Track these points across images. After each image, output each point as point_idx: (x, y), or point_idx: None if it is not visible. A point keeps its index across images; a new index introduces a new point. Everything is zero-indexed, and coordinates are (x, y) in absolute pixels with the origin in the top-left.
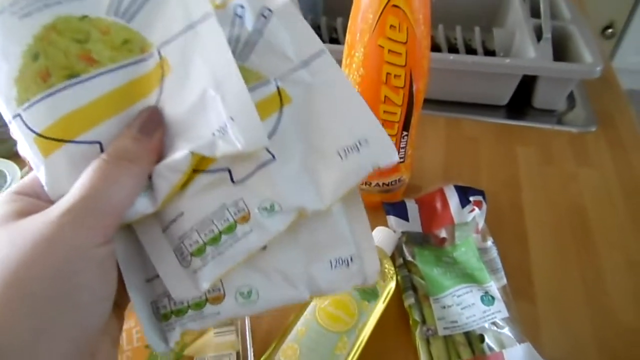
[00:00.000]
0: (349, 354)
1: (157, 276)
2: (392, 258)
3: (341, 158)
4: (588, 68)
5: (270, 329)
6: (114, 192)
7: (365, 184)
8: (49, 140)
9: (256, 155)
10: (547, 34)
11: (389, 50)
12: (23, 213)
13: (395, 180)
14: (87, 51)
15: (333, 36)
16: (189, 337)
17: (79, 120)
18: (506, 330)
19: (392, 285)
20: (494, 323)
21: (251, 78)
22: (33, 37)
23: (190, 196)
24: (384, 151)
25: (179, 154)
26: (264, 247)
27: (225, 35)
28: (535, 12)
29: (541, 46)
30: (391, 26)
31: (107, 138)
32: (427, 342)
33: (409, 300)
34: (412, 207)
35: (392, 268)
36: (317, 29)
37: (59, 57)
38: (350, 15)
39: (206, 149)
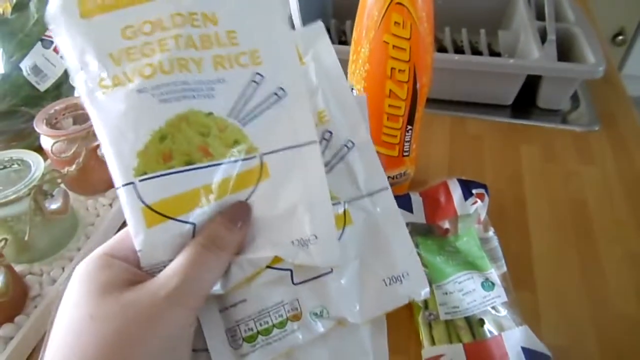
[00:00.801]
0: None
1: (204, 350)
2: None
3: (385, 285)
4: (591, 68)
5: None
6: (207, 277)
7: None
8: (156, 213)
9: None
10: (551, 36)
11: (394, 46)
12: (126, 282)
13: (400, 174)
14: (206, 144)
15: (342, 39)
16: None
17: (186, 202)
18: (505, 314)
19: None
20: (493, 307)
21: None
22: (166, 121)
23: (254, 287)
24: (419, 285)
25: (264, 254)
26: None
27: (329, 200)
28: (540, 15)
29: (545, 48)
30: (395, 23)
31: (201, 220)
32: (429, 326)
33: None
34: (416, 199)
35: None
36: (326, 31)
37: (183, 144)
38: (357, 13)
39: (288, 255)
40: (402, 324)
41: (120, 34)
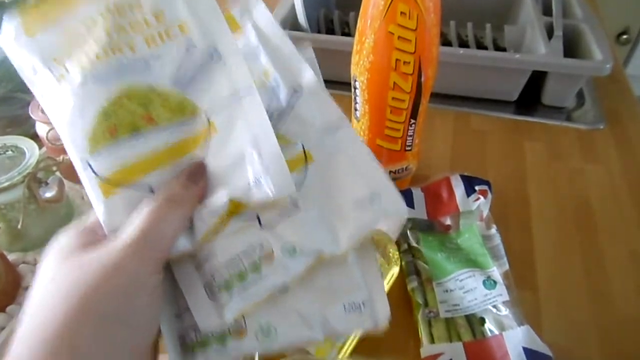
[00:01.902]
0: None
1: (186, 311)
2: (397, 244)
3: (356, 209)
4: (597, 65)
5: None
6: (164, 229)
7: None
8: (110, 184)
9: (283, 204)
10: (558, 32)
11: (399, 37)
12: (87, 245)
13: (402, 169)
14: (149, 113)
15: (345, 30)
16: None
17: (137, 168)
18: (507, 313)
19: (395, 269)
20: (494, 306)
21: (282, 142)
22: (107, 101)
23: (222, 237)
24: (393, 204)
25: (219, 201)
26: (286, 290)
27: (264, 104)
28: (547, 10)
29: (552, 43)
30: (401, 13)
31: (158, 183)
32: (429, 324)
33: (412, 284)
34: (418, 195)
35: (397, 253)
36: (329, 22)
37: (126, 117)
38: (362, 2)
39: (243, 196)
40: (401, 322)
41: (60, 40)
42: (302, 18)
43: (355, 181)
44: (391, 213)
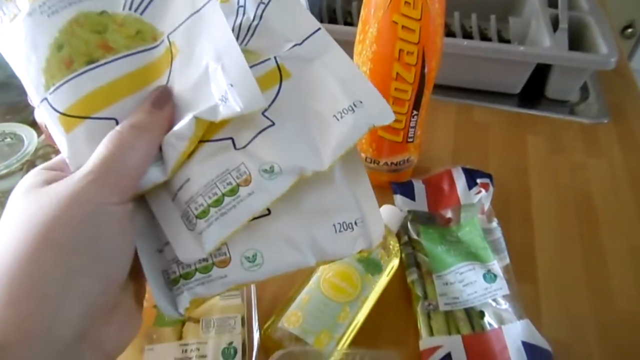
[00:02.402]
0: (350, 323)
1: (167, 244)
2: (398, 236)
3: (337, 120)
4: (603, 59)
5: (275, 297)
6: (129, 156)
7: (373, 162)
8: (71, 117)
9: (256, 121)
10: (563, 24)
11: (403, 27)
12: (49, 181)
13: (404, 160)
14: (104, 40)
15: (348, 20)
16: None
17: (97, 100)
18: (506, 307)
19: (395, 261)
20: (494, 300)
21: (252, 58)
22: (58, 31)
23: (195, 163)
24: (379, 110)
25: (184, 121)
26: (269, 213)
27: (229, 22)
28: (552, 2)
29: (557, 36)
30: (406, 2)
31: (122, 115)
32: (428, 317)
33: (412, 276)
34: (419, 187)
35: (397, 245)
36: (332, 12)
37: (80, 46)
38: None
39: (209, 113)
40: (401, 314)
41: None
42: (304, 4)
43: (335, 91)
44: (375, 120)
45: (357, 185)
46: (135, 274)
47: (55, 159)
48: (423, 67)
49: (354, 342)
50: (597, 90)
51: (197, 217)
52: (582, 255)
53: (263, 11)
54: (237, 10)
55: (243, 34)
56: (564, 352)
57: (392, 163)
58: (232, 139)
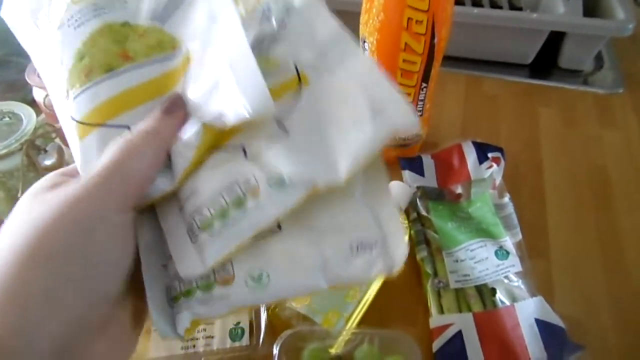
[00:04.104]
0: (359, 302)
1: (171, 258)
2: (407, 212)
3: (357, 128)
4: (619, 25)
5: None
6: (135, 162)
7: None
8: (86, 125)
9: (269, 130)
10: None
11: None
12: (58, 185)
13: (412, 135)
14: (124, 50)
15: None
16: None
17: (112, 107)
18: (519, 284)
19: (405, 238)
20: (506, 277)
21: (272, 66)
22: (82, 42)
23: (203, 173)
24: (401, 117)
25: (193, 129)
26: (280, 229)
27: (252, 30)
28: None
29: (571, 2)
30: None
31: (136, 123)
32: (438, 294)
33: (422, 254)
34: (428, 162)
35: (406, 222)
36: None
37: (100, 56)
38: None
39: (217, 120)
40: (410, 293)
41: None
42: None
43: (356, 98)
44: (399, 125)
45: (380, 203)
46: (136, 290)
47: (73, 165)
48: (433, 36)
49: (363, 321)
50: (612, 58)
51: (201, 228)
52: (595, 230)
53: (288, 20)
54: (262, 20)
55: (267, 41)
56: (577, 329)
57: (400, 138)
58: (243, 148)
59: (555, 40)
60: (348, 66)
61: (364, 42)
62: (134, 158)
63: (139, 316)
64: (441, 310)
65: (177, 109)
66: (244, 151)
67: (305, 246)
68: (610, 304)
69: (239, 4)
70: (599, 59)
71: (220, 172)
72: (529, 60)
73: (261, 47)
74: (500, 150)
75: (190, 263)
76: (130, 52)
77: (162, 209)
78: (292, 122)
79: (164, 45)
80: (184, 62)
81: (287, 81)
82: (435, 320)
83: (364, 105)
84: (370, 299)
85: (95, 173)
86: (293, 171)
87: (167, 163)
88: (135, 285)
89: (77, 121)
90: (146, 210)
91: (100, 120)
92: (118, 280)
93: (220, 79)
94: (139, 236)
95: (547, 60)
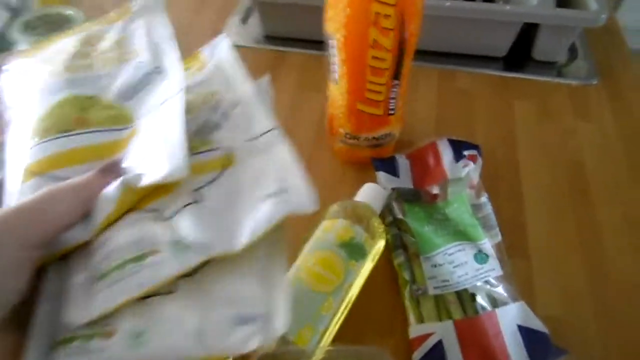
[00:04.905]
0: (335, 315)
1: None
2: (382, 216)
3: (261, 204)
4: (592, 16)
5: None
6: (53, 206)
7: (353, 138)
8: (30, 172)
9: (184, 198)
10: None
11: None
12: None
13: (385, 135)
14: (83, 117)
15: None
16: None
17: (58, 161)
18: (499, 289)
19: (381, 243)
20: (487, 281)
21: (206, 146)
22: (50, 106)
23: (116, 228)
24: (302, 199)
25: (114, 185)
26: (171, 292)
27: (203, 115)
28: None
29: None
30: None
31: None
32: (417, 302)
33: (399, 259)
34: (402, 162)
35: (381, 226)
36: None
37: (60, 119)
38: None
39: (135, 179)
40: (388, 300)
41: (32, 61)
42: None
43: (269, 178)
44: (294, 206)
45: (273, 277)
46: (21, 326)
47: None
48: (402, 31)
49: (339, 333)
50: (586, 49)
51: (98, 278)
52: (575, 227)
53: (231, 111)
54: (211, 109)
55: (211, 127)
56: (560, 330)
57: (373, 138)
58: (157, 210)
59: (528, 32)
60: (271, 152)
61: (331, 38)
62: (52, 203)
63: (16, 351)
64: (420, 319)
65: (112, 172)
66: (160, 214)
67: (191, 312)
68: (592, 301)
69: (194, 94)
70: (572, 50)
71: (131, 229)
72: (503, 53)
73: (204, 131)
74: (476, 147)
75: (78, 311)
76: (88, 120)
77: (72, 259)
78: (208, 194)
79: (120, 120)
80: (130, 134)
81: (215, 159)
82: (415, 330)
83: (272, 185)
84: (347, 310)
85: (8, 208)
86: (194, 237)
87: (89, 217)
88: (20, 322)
89: (24, 168)
90: (63, 260)
91: (43, 170)
92: (8, 299)
93: (153, 149)
94: (46, 282)
95: (521, 53)
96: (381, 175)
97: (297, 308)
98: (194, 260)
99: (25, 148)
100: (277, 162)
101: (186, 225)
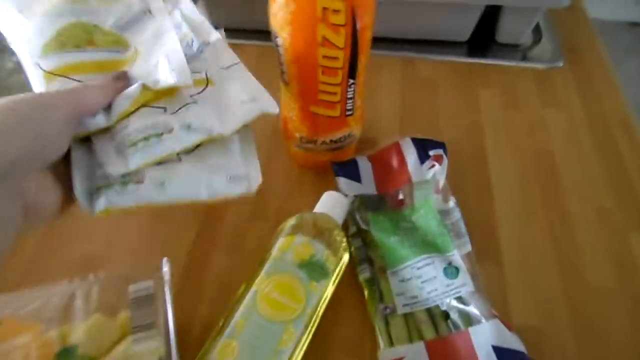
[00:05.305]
0: (297, 345)
1: (99, 168)
2: (345, 227)
3: (240, 106)
4: None
5: (206, 323)
6: (86, 93)
7: (309, 142)
8: (52, 74)
9: (184, 99)
10: None
11: None
12: None
13: (344, 136)
14: (91, 38)
15: None
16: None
17: (75, 69)
18: (471, 307)
19: (344, 259)
20: (458, 298)
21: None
22: (62, 26)
23: (134, 117)
24: (268, 104)
25: (133, 86)
26: (179, 159)
27: (181, 50)
28: None
29: None
30: None
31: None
32: (386, 322)
33: (364, 274)
34: (364, 165)
35: (344, 239)
36: None
37: (73, 37)
38: None
39: (153, 83)
40: (355, 320)
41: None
42: None
43: (241, 91)
44: (265, 108)
45: (248, 151)
46: (65, 184)
47: None
48: (354, 27)
49: None
50: (550, 30)
51: (128, 146)
52: (547, 226)
53: (204, 50)
54: (187, 46)
55: (188, 58)
56: (536, 339)
57: (331, 141)
58: (165, 108)
59: (491, 14)
60: (239, 77)
61: (277, 37)
62: (86, 93)
63: (65, 202)
64: (390, 342)
65: (122, 79)
66: (165, 110)
67: (197, 172)
68: (566, 307)
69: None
70: (536, 31)
71: (148, 117)
72: (466, 37)
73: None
74: (442, 145)
75: (117, 166)
76: (95, 40)
77: (96, 137)
78: (200, 98)
79: (120, 44)
80: (132, 54)
81: (199, 80)
82: (384, 354)
83: (245, 96)
84: (309, 340)
85: (55, 90)
86: (198, 122)
87: (108, 109)
88: (65, 182)
89: (45, 71)
90: (82, 142)
91: (64, 74)
92: (56, 151)
93: (159, 64)
94: (73, 151)
95: (484, 37)
96: (342, 180)
97: (254, 343)
98: (199, 137)
99: (39, 55)
100: (245, 82)
101: (191, 114)
